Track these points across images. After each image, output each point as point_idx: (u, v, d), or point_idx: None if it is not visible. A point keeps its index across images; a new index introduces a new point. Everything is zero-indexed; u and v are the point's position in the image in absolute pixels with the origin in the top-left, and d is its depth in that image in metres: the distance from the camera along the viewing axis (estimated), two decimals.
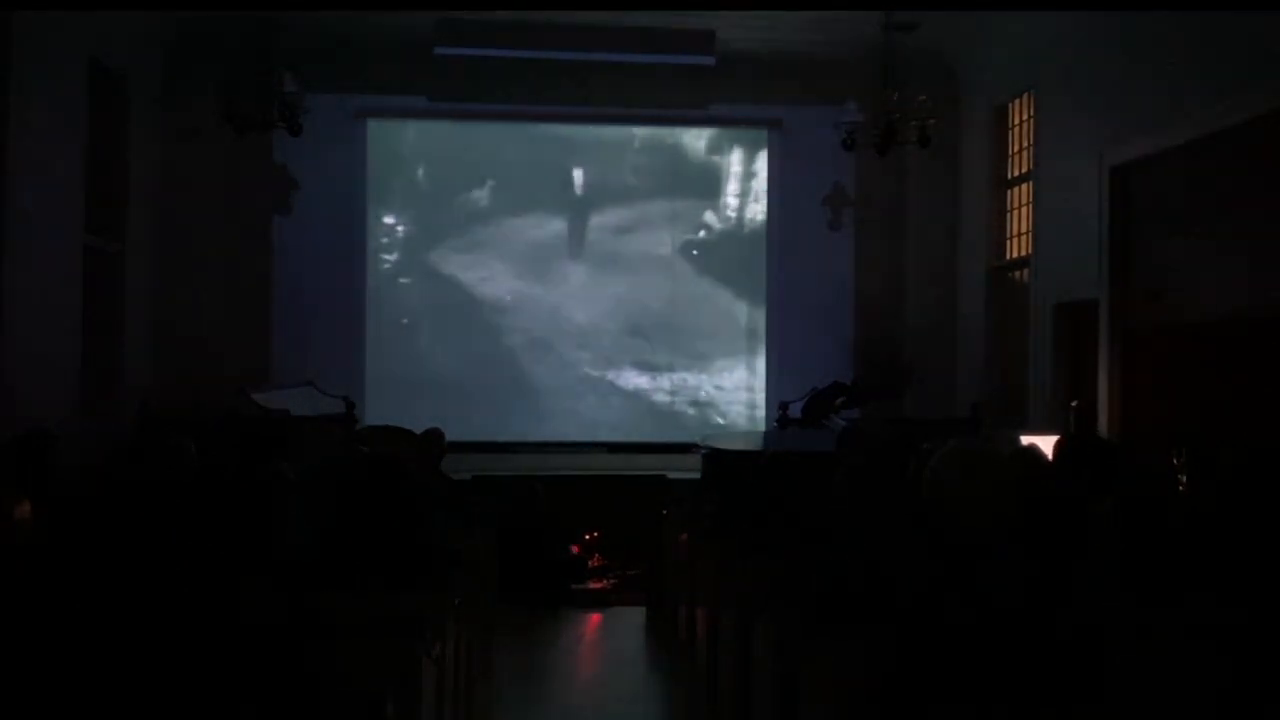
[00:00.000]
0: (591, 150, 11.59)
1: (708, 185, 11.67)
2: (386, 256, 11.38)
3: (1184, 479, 4.53)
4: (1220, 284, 6.93)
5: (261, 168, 10.73)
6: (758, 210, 11.63)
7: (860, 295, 11.39)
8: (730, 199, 11.69)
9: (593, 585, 9.01)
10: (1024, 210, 10.04)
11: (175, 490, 3.20)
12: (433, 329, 11.41)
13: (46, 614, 2.79)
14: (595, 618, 8.41)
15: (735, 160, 11.69)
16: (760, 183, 11.62)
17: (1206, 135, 6.96)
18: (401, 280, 11.41)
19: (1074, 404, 7.35)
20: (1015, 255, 10.25)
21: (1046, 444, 6.70)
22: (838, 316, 11.33)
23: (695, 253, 11.61)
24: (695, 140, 11.71)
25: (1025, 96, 9.99)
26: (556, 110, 11.30)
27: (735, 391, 11.65)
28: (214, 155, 10.39)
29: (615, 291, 11.52)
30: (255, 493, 3.44)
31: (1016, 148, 10.32)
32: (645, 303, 11.54)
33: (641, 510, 9.13)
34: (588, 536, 9.59)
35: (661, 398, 11.58)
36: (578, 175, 11.55)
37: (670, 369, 11.59)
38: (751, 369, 11.64)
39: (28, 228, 7.73)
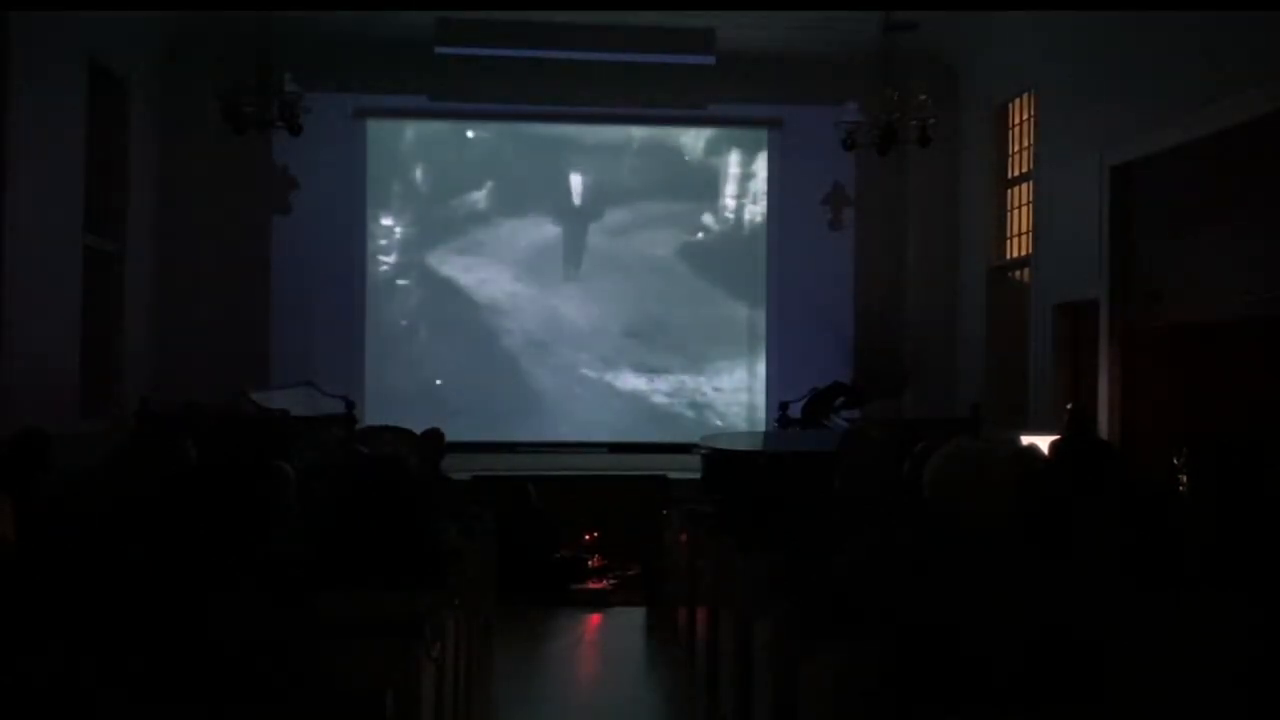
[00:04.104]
0: (591, 151, 11.58)
1: (707, 186, 11.66)
2: (385, 257, 11.38)
3: (1184, 479, 4.53)
4: (1220, 284, 6.93)
5: (261, 167, 10.72)
6: (757, 211, 11.62)
7: (860, 295, 11.39)
8: (729, 200, 11.68)
9: (593, 585, 9.01)
10: (1024, 210, 10.04)
11: (174, 490, 3.20)
12: (432, 329, 11.40)
13: (36, 613, 2.79)
14: (595, 618, 8.41)
15: (734, 161, 11.69)
16: (760, 183, 11.61)
17: (1206, 135, 6.96)
18: (400, 281, 11.41)
19: (1069, 405, 7.36)
20: (1015, 255, 10.25)
21: (1046, 444, 6.72)
22: (838, 316, 11.32)
23: (694, 254, 11.60)
24: (694, 141, 11.70)
25: (1025, 96, 9.99)
26: (556, 110, 11.29)
27: (734, 393, 11.64)
28: (214, 155, 10.38)
29: (614, 293, 11.51)
30: (254, 492, 3.44)
31: (1016, 148, 10.32)
32: (644, 304, 11.53)
33: (641, 510, 9.13)
34: (588, 536, 9.59)
35: (660, 399, 11.57)
36: (577, 176, 11.54)
37: (668, 370, 11.58)
38: (751, 370, 11.63)
39: (28, 227, 7.72)
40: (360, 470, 4.65)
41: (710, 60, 10.59)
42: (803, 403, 10.04)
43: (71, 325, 8.64)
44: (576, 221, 11.52)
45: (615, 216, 11.55)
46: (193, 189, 10.51)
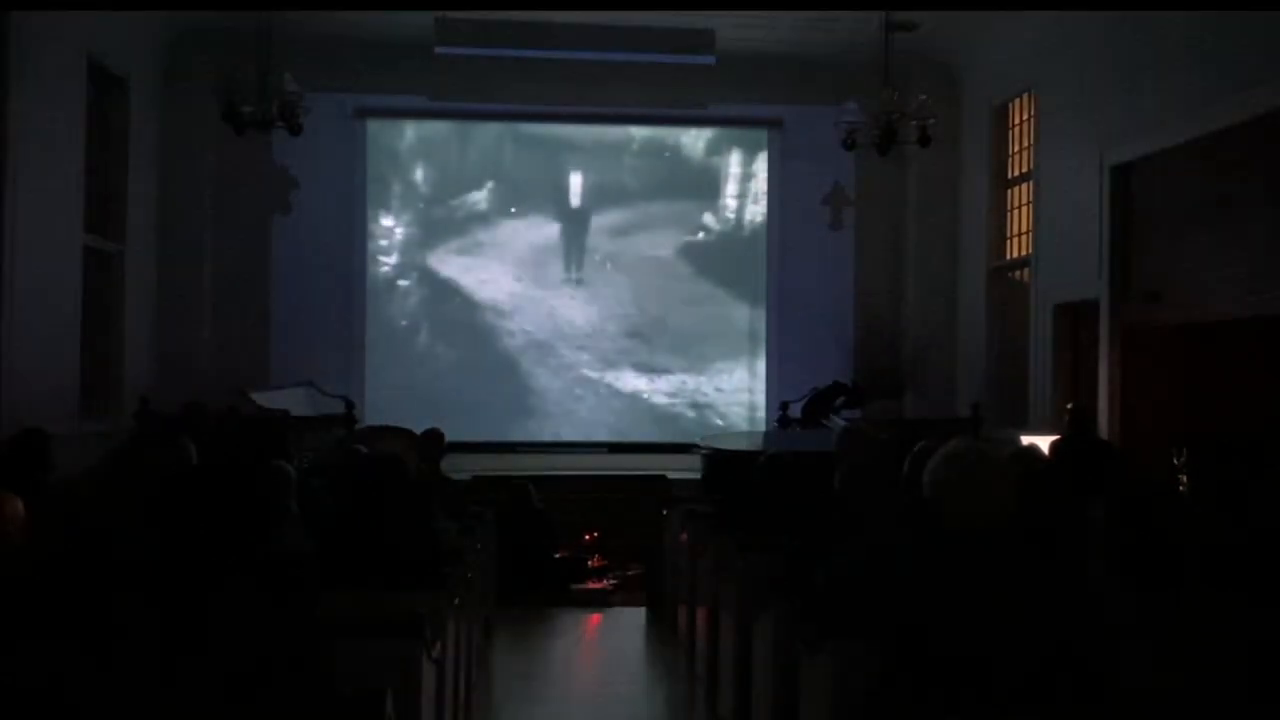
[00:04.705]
0: (591, 151, 11.58)
1: (707, 186, 11.66)
2: (385, 258, 11.38)
3: (1184, 479, 4.53)
4: (1220, 284, 6.93)
5: (261, 167, 10.72)
6: (757, 211, 11.62)
7: (860, 295, 11.39)
8: (730, 200, 11.68)
9: (593, 585, 9.00)
10: (1024, 210, 10.04)
11: (174, 490, 3.19)
12: (432, 330, 11.41)
13: (41, 614, 2.79)
14: (595, 618, 8.41)
15: (735, 161, 11.69)
16: (760, 183, 11.61)
17: (1206, 135, 6.96)
18: (400, 281, 11.41)
19: (1069, 405, 7.36)
20: (1015, 255, 10.25)
21: (1046, 444, 6.72)
22: (838, 316, 11.32)
23: (694, 254, 11.60)
24: (695, 141, 11.70)
25: (1025, 96, 9.99)
26: (556, 110, 11.29)
27: (735, 393, 11.64)
28: (214, 155, 10.39)
29: (615, 293, 11.51)
30: (254, 492, 3.44)
31: (1016, 148, 10.32)
32: (644, 304, 11.53)
33: (641, 510, 9.13)
34: (588, 536, 9.58)
35: (660, 399, 11.57)
36: (577, 177, 11.54)
37: (669, 370, 11.58)
38: (751, 370, 11.64)
39: (28, 227, 7.72)
40: (360, 470, 4.66)
41: (710, 60, 10.59)
42: (803, 403, 10.04)
43: (71, 325, 8.63)
44: (576, 221, 11.52)
45: (615, 216, 11.55)
46: (193, 189, 10.51)
